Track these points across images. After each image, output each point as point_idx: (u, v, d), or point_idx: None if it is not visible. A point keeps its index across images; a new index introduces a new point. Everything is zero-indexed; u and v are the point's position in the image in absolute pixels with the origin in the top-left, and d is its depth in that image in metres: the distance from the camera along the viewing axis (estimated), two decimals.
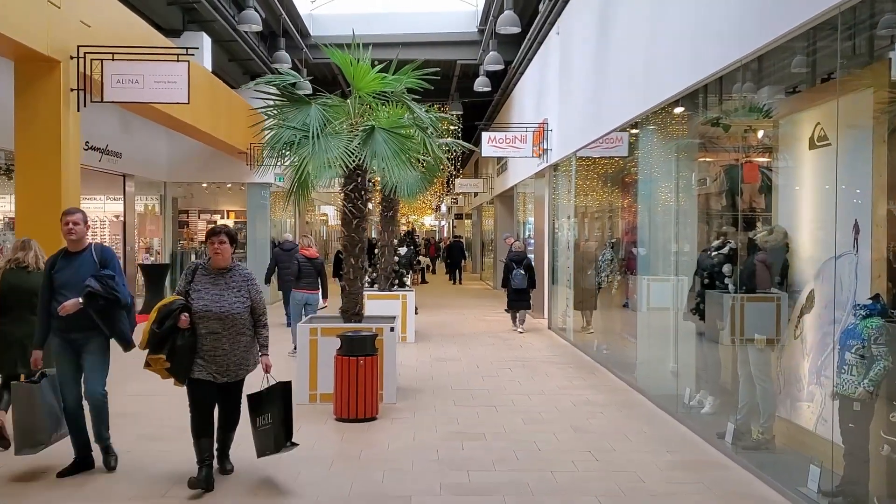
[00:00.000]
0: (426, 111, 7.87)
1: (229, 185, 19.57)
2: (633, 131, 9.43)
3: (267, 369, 5.19)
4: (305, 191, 7.27)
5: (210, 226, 23.72)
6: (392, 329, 7.45)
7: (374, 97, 7.59)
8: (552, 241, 13.83)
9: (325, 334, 7.34)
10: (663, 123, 8.53)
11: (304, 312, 9.90)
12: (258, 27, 12.27)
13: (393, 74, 7.42)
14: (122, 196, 15.32)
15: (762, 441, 5.95)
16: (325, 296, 10.31)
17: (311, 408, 7.26)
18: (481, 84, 17.30)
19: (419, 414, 7.15)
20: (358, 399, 6.71)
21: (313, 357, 7.38)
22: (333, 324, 7.65)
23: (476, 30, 18.18)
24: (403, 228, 58.36)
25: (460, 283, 25.30)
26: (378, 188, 11.81)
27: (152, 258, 15.34)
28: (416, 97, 7.72)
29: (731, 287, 6.74)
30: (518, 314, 13.22)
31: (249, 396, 5.14)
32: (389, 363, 7.42)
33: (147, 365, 5.00)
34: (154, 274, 15.16)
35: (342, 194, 7.69)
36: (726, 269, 7.01)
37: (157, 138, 16.43)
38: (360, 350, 6.74)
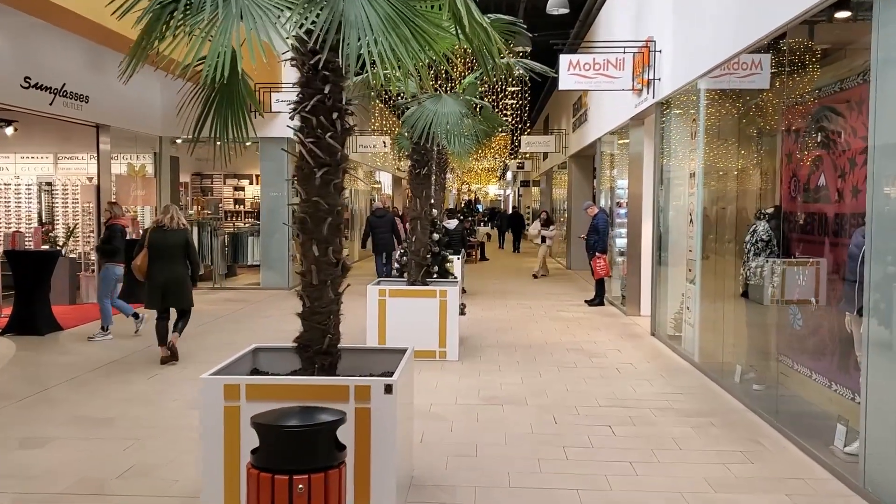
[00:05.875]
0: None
1: (248, 144, 16.24)
2: (840, 15, 5.36)
3: None
4: (236, 107, 3.70)
5: (237, 193, 20.78)
6: (388, 390, 3.70)
7: None
8: (657, 209, 9.80)
9: (257, 397, 3.66)
10: None
11: None
12: None
13: None
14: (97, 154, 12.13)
15: None
16: None
17: None
18: (556, 4, 13.10)
19: None
20: None
21: (231, 444, 3.71)
22: (277, 378, 3.96)
23: None
24: (465, 197, 54.72)
25: (519, 252, 26.47)
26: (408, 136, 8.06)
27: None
28: None
29: None
30: None
31: None
32: (382, 455, 3.69)
33: None
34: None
35: (297, 119, 3.98)
36: None
37: (145, 81, 13.05)
38: (300, 458, 2.99)
